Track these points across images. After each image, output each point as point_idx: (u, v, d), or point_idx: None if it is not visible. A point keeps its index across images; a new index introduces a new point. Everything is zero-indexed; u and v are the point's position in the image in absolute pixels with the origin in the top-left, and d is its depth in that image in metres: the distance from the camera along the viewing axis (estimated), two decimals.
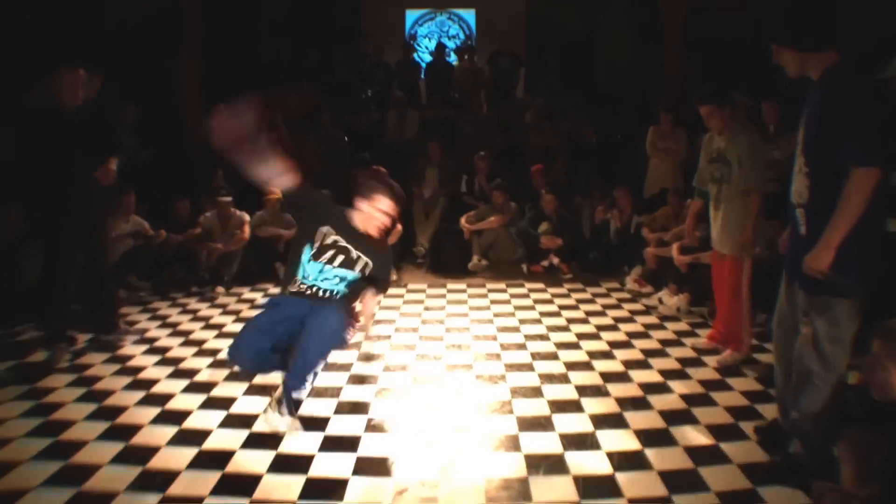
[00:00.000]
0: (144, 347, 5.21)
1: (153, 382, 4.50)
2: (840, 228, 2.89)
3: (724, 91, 4.70)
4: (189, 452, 3.54)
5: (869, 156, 2.83)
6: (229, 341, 5.21)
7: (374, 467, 3.44)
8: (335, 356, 4.95)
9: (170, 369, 4.76)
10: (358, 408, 4.13)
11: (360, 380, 4.58)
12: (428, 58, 13.15)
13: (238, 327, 5.63)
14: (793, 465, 3.33)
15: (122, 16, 8.80)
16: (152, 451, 3.55)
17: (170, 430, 3.79)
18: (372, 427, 3.87)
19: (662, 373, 4.69)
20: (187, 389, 4.41)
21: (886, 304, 4.24)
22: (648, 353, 5.10)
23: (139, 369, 4.74)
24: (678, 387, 4.44)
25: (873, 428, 2.59)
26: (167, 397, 4.26)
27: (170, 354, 5.07)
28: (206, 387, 4.45)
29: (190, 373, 4.70)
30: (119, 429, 3.81)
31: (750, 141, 4.61)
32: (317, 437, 3.72)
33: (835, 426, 3.06)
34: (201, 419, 3.96)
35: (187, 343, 5.35)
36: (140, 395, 4.29)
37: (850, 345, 3.12)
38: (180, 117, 9.38)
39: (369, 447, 3.64)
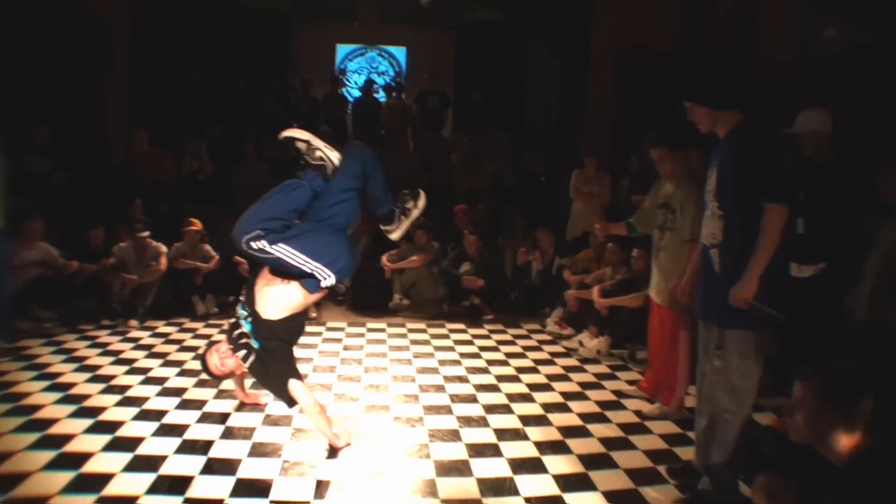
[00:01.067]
0: (45, 384, 4.92)
1: (52, 422, 4.23)
2: (762, 259, 3.16)
3: (679, 134, 4.63)
4: (88, 500, 3.34)
5: (780, 194, 3.17)
6: (140, 377, 5.11)
7: None
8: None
9: (73, 407, 4.50)
10: (272, 450, 4.00)
11: (274, 421, 4.44)
12: (357, 93, 13.16)
13: (152, 363, 5.48)
14: (703, 501, 3.42)
15: (36, 31, 8.43)
16: (42, 500, 3.32)
17: (66, 476, 3.55)
18: (285, 471, 3.75)
19: (582, 416, 4.71)
20: (92, 429, 4.17)
21: (799, 347, 4.43)
22: (568, 395, 5.12)
23: (37, 407, 4.46)
24: (598, 430, 4.46)
25: (787, 471, 2.65)
26: (67, 438, 4.01)
27: (74, 391, 4.81)
28: (112, 426, 4.22)
29: (95, 411, 4.45)
30: (5, 478, 3.52)
31: (693, 189, 4.45)
32: (228, 482, 3.58)
33: (743, 463, 3.26)
34: (103, 462, 3.74)
35: (95, 379, 5.08)
36: (36, 436, 4.02)
37: (758, 380, 3.33)
38: (101, 140, 9.06)
39: (282, 491, 3.52)
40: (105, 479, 3.55)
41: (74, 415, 4.39)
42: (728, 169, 3.32)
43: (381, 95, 12.45)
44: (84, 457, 3.78)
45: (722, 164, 3.37)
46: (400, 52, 14.74)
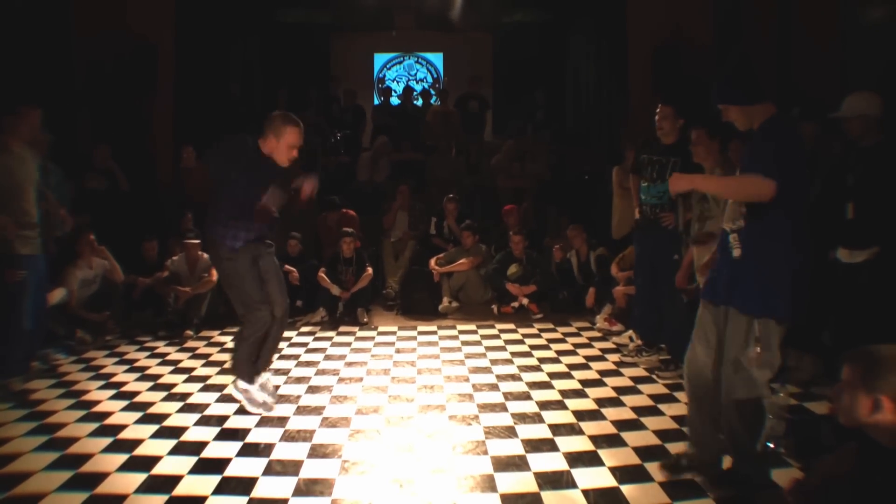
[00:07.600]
0: (112, 392, 5.11)
1: (121, 428, 4.40)
2: (710, 182, 3.87)
3: (716, 124, 4.80)
4: (158, 500, 3.46)
5: (772, 172, 3.12)
6: (200, 385, 5.24)
7: None
8: (307, 399, 4.95)
9: (138, 414, 4.66)
10: (331, 451, 4.08)
11: (332, 423, 4.53)
12: (396, 101, 13.29)
13: (209, 370, 5.63)
14: (733, 479, 3.47)
15: (95, 55, 8.75)
16: (119, 499, 3.46)
17: (138, 478, 3.69)
18: (346, 470, 3.83)
19: (635, 409, 4.71)
20: (157, 434, 4.32)
21: (853, 334, 4.37)
22: (620, 390, 5.12)
23: (106, 414, 4.64)
24: (652, 423, 4.46)
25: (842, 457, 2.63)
26: (136, 443, 4.17)
27: (138, 399, 4.97)
28: (177, 431, 4.36)
29: (159, 417, 4.60)
30: (84, 477, 3.70)
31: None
32: (290, 482, 3.67)
33: (800, 450, 3.45)
34: (171, 465, 3.87)
35: (156, 387, 5.25)
36: (107, 441, 4.18)
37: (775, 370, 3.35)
38: (149, 157, 9.32)
39: (344, 491, 3.59)
40: (175, 480, 3.67)
41: (141, 421, 4.54)
42: (747, 158, 3.39)
43: (419, 102, 12.56)
44: (153, 460, 3.92)
45: (744, 153, 3.47)
46: (437, 58, 14.83)
